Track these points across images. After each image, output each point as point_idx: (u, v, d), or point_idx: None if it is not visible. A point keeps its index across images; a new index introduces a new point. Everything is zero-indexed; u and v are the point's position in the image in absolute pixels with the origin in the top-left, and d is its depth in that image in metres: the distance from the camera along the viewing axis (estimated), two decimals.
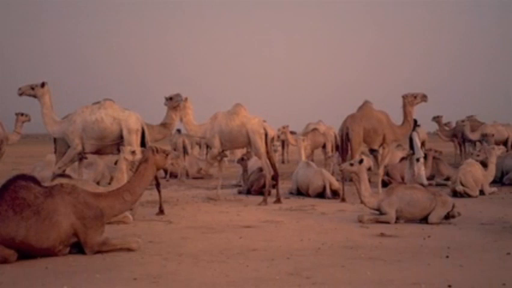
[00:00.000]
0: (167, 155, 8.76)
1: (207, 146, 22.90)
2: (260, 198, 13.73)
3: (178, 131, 20.85)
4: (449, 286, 6.31)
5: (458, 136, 24.14)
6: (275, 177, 14.18)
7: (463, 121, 22.99)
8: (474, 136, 22.33)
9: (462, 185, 14.52)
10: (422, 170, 16.42)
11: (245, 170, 16.31)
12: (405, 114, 14.71)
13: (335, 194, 14.46)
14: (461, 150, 24.80)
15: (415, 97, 14.61)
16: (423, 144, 26.83)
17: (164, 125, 12.67)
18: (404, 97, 14.64)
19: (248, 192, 15.58)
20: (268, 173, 13.88)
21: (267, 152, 13.91)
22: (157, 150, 8.63)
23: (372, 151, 15.00)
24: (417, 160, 16.24)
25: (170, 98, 12.72)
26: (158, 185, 12.00)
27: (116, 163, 11.64)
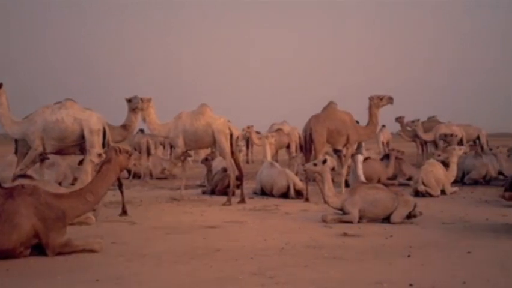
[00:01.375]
0: (130, 155, 8.71)
1: (171, 146, 22.81)
2: (224, 199, 13.72)
3: (141, 131, 20.72)
4: (411, 285, 6.38)
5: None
6: (240, 178, 14.19)
7: (413, 121, 23.05)
8: (427, 137, 22.48)
9: (424, 184, 14.68)
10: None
11: (209, 170, 16.27)
12: (370, 116, 14.86)
13: (299, 194, 14.51)
14: (423, 150, 25.06)
15: (381, 99, 14.77)
16: (387, 144, 27.10)
17: (124, 126, 12.55)
18: (370, 99, 14.79)
19: (212, 192, 15.55)
20: (232, 173, 13.88)
21: (232, 152, 13.93)
22: (120, 151, 8.57)
23: (336, 151, 15.11)
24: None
25: (130, 100, 12.62)
26: (120, 186, 11.90)
27: (79, 163, 11.53)
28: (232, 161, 13.92)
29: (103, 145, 11.74)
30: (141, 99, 12.76)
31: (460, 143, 21.54)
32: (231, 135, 13.88)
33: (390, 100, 14.83)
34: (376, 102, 14.76)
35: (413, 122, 23.05)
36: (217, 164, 16.58)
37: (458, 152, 15.97)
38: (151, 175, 20.43)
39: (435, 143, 22.22)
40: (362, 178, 15.91)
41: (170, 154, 24.65)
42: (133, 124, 12.72)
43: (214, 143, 13.98)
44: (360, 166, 16.29)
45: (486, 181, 17.70)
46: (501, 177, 17.83)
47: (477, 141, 24.08)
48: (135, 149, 19.91)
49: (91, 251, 8.01)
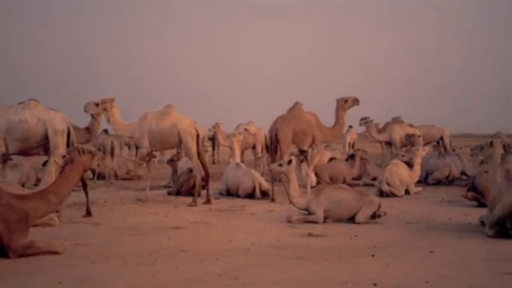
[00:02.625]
0: (93, 155, 8.63)
1: (137, 147, 22.67)
2: (190, 199, 13.68)
3: (106, 131, 20.54)
4: (375, 284, 6.43)
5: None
6: (205, 178, 14.15)
7: (366, 122, 23.07)
8: (380, 137, 22.57)
9: (388, 185, 14.82)
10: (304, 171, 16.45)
11: (175, 170, 16.20)
12: (337, 117, 15.15)
13: (265, 194, 14.54)
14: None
15: (346, 101, 15.04)
16: (353, 145, 27.27)
17: (87, 129, 12.52)
18: (337, 101, 15.06)
19: (178, 193, 15.49)
20: (198, 173, 13.84)
21: (198, 153, 13.89)
22: (83, 151, 8.49)
23: (302, 152, 15.20)
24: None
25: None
26: (85, 186, 11.79)
27: (44, 164, 11.40)
28: (198, 162, 13.89)
29: (67, 146, 11.63)
30: (96, 103, 12.72)
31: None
32: (197, 136, 13.84)
33: (355, 102, 15.08)
34: (342, 105, 15.04)
35: (366, 122, 23.05)
36: (183, 164, 16.51)
37: (421, 152, 16.16)
38: (115, 176, 20.28)
39: (389, 144, 22.27)
40: (313, 177, 15.76)
41: (136, 155, 24.48)
42: (95, 128, 12.70)
43: (180, 143, 13.93)
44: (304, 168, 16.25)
45: (449, 181, 17.94)
46: (464, 177, 18.08)
47: (440, 142, 24.34)
48: (99, 150, 19.73)
49: (54, 252, 7.91)
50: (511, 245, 8.57)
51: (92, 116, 12.56)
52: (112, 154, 20.43)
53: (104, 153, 19.79)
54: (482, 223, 9.88)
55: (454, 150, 19.75)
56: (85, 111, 12.60)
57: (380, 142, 23.70)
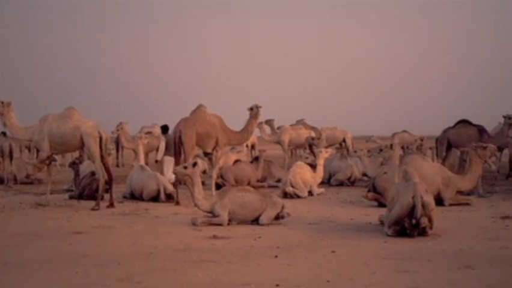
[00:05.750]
0: None
1: (37, 150, 22.05)
2: (92, 203, 13.41)
3: (4, 134, 19.87)
4: (277, 285, 6.51)
5: None
6: (109, 181, 13.92)
7: (261, 123, 23.36)
8: (270, 138, 22.91)
9: (292, 186, 15.03)
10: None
11: (77, 174, 15.81)
12: (247, 124, 15.57)
13: (170, 197, 14.44)
14: (291, 152, 25.59)
15: (251, 109, 15.39)
16: (253, 147, 27.48)
17: None
18: (248, 109, 15.38)
19: (80, 197, 15.12)
20: (101, 177, 13.60)
21: (101, 156, 13.65)
22: None
23: (206, 154, 15.23)
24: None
25: None
26: None
27: None
28: (101, 165, 13.65)
29: None
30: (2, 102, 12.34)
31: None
32: (100, 139, 13.61)
33: (257, 108, 15.45)
34: (250, 112, 15.42)
35: (261, 123, 23.34)
36: (85, 167, 16.15)
37: (324, 154, 16.45)
38: (15, 180, 19.62)
39: (305, 146, 22.63)
40: (170, 177, 15.59)
41: (37, 158, 23.79)
42: None
43: (82, 146, 13.67)
44: (167, 167, 16.09)
45: (351, 182, 18.33)
46: (365, 178, 18.52)
47: (343, 144, 24.92)
48: None
49: None
50: (409, 244, 8.86)
51: None
52: (11, 157, 19.74)
53: (2, 156, 19.15)
54: (382, 222, 10.17)
55: (355, 152, 20.24)
56: None
57: (272, 143, 24.14)
